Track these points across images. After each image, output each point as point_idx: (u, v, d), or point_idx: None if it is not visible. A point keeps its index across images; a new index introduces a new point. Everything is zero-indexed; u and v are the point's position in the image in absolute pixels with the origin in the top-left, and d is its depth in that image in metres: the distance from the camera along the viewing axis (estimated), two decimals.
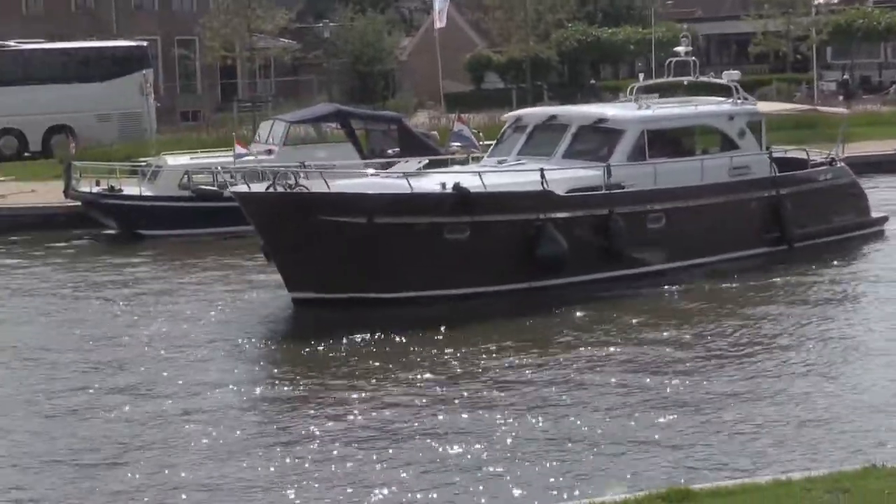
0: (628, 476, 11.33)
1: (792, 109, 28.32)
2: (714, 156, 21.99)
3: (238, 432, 13.06)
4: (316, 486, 11.48)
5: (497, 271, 18.90)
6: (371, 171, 21.42)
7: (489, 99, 50.14)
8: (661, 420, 12.97)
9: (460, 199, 18.47)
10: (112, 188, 28.03)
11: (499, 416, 13.29)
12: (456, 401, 13.94)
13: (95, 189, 28.23)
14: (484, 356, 15.89)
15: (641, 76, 25.71)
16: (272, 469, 11.94)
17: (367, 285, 18.47)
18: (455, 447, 12.27)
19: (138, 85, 40.85)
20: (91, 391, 14.94)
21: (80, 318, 19.42)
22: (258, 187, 19.14)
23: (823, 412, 13.16)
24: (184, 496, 11.38)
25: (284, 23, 50.54)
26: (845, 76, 55.16)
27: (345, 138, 29.29)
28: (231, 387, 14.87)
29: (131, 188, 28.14)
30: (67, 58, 42.61)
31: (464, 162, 23.27)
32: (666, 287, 19.54)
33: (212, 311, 19.19)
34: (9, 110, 39.77)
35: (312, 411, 13.79)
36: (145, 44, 44.85)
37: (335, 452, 12.32)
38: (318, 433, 12.95)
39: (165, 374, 15.56)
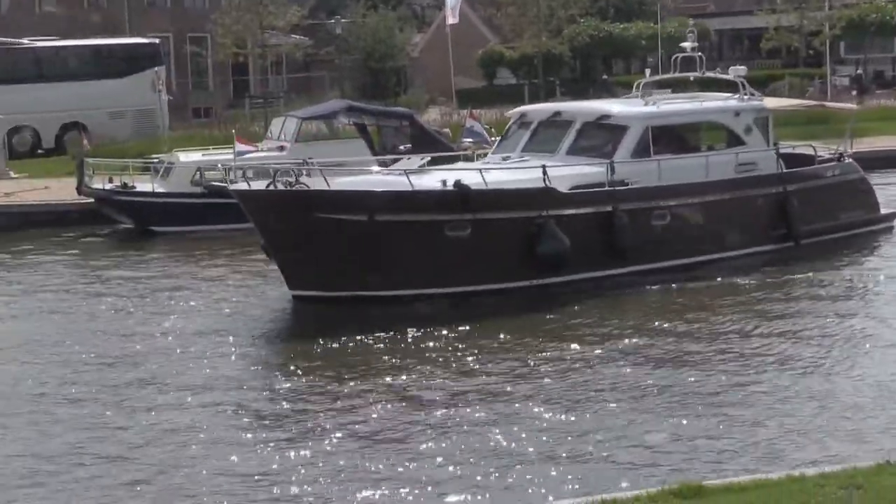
0: (640, 471, 11.30)
1: (799, 106, 28.09)
2: (720, 152, 21.83)
3: (236, 430, 13.08)
4: (320, 479, 11.47)
5: (499, 269, 18.80)
6: (376, 168, 21.31)
7: (501, 95, 50.10)
8: (673, 416, 12.93)
9: (461, 196, 18.37)
10: (125, 185, 28.07)
11: (503, 412, 13.25)
12: (456, 398, 13.88)
13: (108, 186, 28.27)
14: (485, 353, 15.80)
15: (648, 72, 25.61)
16: (276, 462, 11.95)
17: (368, 283, 18.39)
18: (459, 443, 12.25)
19: (151, 82, 40.87)
20: (98, 385, 15.05)
21: (92, 313, 19.44)
22: (258, 185, 19.06)
23: (836, 408, 13.10)
24: (190, 486, 11.45)
25: (296, 19, 50.61)
26: (858, 71, 54.96)
27: (357, 135, 29.32)
28: (229, 384, 14.86)
29: (144, 185, 28.18)
30: (80, 55, 42.74)
31: (470, 158, 23.16)
32: (671, 284, 19.39)
33: (216, 308, 19.21)
34: (22, 107, 39.81)
35: (310, 408, 13.75)
36: (157, 41, 44.96)
37: (337, 446, 12.32)
38: (319, 428, 12.96)
39: (165, 369, 15.61)
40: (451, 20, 46.07)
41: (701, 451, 11.85)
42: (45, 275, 23.42)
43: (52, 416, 13.96)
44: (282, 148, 28.32)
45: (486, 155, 22.99)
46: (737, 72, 23.32)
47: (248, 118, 44.82)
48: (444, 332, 16.81)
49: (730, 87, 23.62)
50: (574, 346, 16.02)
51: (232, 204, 19.57)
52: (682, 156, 21.19)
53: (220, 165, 24.21)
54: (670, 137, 21.60)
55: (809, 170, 22.91)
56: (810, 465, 10.58)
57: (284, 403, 14.09)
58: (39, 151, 40.81)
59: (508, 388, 14.21)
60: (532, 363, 15.28)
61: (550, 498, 10.74)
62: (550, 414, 13.15)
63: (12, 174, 34.15)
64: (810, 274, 20.12)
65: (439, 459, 11.86)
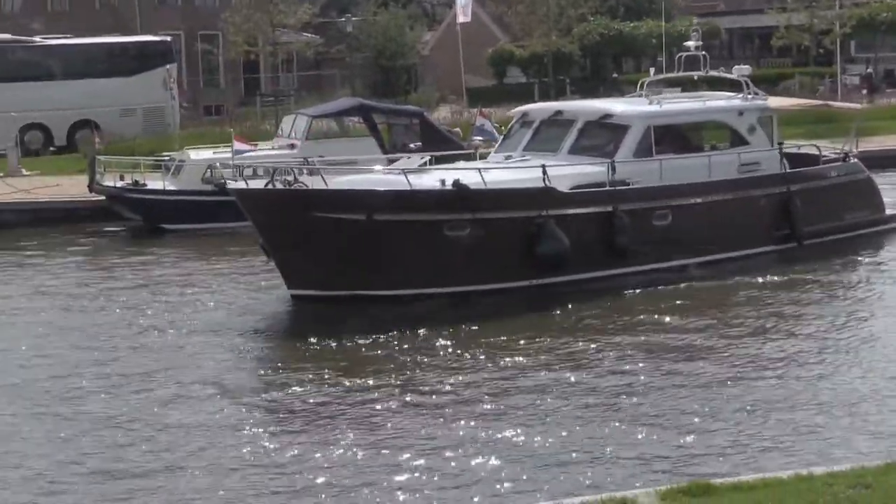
0: (649, 470, 11.30)
1: (804, 105, 27.88)
2: (722, 152, 21.67)
3: (236, 427, 13.09)
4: (315, 475, 11.49)
5: (499, 268, 18.68)
6: (378, 166, 21.20)
7: (511, 93, 50.05)
8: (679, 415, 12.90)
9: (460, 195, 18.27)
10: (136, 182, 28.13)
11: (506, 411, 13.21)
12: (455, 397, 13.85)
13: (119, 183, 28.33)
14: (484, 353, 15.72)
15: (652, 71, 25.48)
16: (271, 459, 12.02)
17: (367, 282, 18.28)
18: (462, 442, 12.23)
19: (162, 80, 40.99)
20: (101, 377, 15.25)
21: (100, 309, 19.53)
22: (256, 184, 18.97)
23: (844, 408, 13.06)
24: (185, 480, 11.53)
25: (307, 17, 50.62)
26: (869, 70, 54.80)
27: (367, 132, 29.31)
28: (225, 382, 14.89)
29: (155, 182, 28.22)
30: (92, 53, 42.78)
31: (474, 157, 23.07)
32: (672, 285, 19.25)
33: (217, 306, 19.23)
34: (34, 105, 39.94)
35: (306, 407, 13.74)
36: (169, 39, 44.98)
37: (334, 445, 12.31)
38: (315, 425, 12.98)
39: (159, 364, 15.68)
40: (462, 18, 46.03)
41: (709, 450, 11.84)
42: (56, 271, 23.49)
43: (59, 408, 14.03)
44: (292, 146, 28.37)
45: (484, 155, 22.92)
46: (741, 71, 23.19)
47: (258, 116, 44.88)
48: (443, 332, 16.71)
49: (738, 86, 23.50)
50: (574, 346, 15.94)
51: None
52: (684, 156, 21.04)
53: (228, 163, 24.27)
54: (673, 137, 21.49)
55: (813, 170, 22.74)
56: (819, 464, 10.56)
57: (280, 403, 14.06)
58: (51, 149, 40.86)
59: (509, 387, 14.16)
60: (532, 363, 15.21)
61: (559, 495, 10.73)
62: (553, 412, 13.13)
63: (24, 172, 34.23)
64: (812, 275, 20.00)
65: (441, 460, 11.84)
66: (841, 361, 15.01)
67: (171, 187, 27.87)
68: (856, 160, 23.51)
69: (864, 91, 50.81)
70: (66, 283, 22.27)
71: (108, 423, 13.45)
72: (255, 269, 21.77)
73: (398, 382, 14.60)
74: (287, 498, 11.16)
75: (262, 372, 15.67)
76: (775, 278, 19.84)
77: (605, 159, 19.90)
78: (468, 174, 18.90)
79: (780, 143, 22.81)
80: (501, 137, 23.10)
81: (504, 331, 16.75)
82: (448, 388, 14.24)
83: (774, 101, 23.72)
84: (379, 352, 16.05)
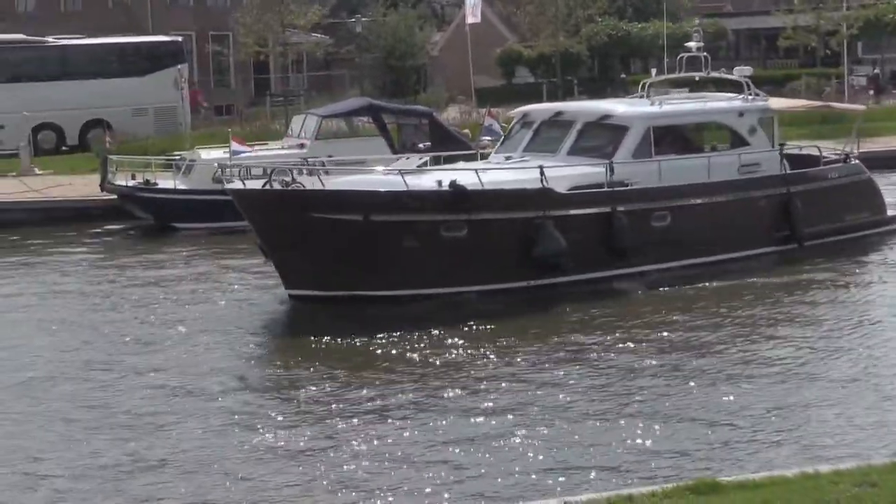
0: (656, 468, 11.29)
1: (804, 106, 27.69)
2: (722, 153, 21.56)
3: (234, 425, 13.12)
4: (310, 473, 11.49)
5: (496, 269, 18.57)
6: (380, 167, 21.06)
7: (520, 93, 50.04)
8: (684, 414, 12.89)
9: (457, 196, 18.17)
10: (147, 181, 28.16)
11: (508, 410, 13.18)
12: (454, 397, 13.81)
13: (131, 182, 28.37)
14: (484, 353, 15.67)
15: (654, 72, 25.37)
16: (266, 459, 12.00)
17: (364, 283, 18.19)
18: (467, 442, 12.20)
19: (173, 80, 41.03)
20: (105, 373, 15.38)
21: (111, 305, 19.62)
22: (253, 184, 18.86)
23: (849, 406, 13.04)
24: (177, 475, 11.57)
25: (317, 18, 50.59)
26: (876, 70, 54.72)
27: (376, 132, 29.31)
28: (223, 379, 14.91)
29: (166, 182, 28.26)
30: (104, 53, 42.89)
31: (473, 158, 22.98)
32: (671, 286, 19.13)
33: (219, 303, 19.26)
34: (47, 105, 40.01)
35: (307, 405, 13.72)
36: (180, 39, 45.06)
37: (331, 444, 12.31)
38: (316, 422, 12.97)
39: (155, 362, 15.74)
40: (471, 19, 45.99)
41: (715, 448, 11.82)
42: (68, 269, 23.55)
43: (69, 403, 14.12)
44: (302, 145, 28.39)
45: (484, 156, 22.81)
46: (742, 72, 23.05)
47: (268, 116, 44.92)
48: (441, 332, 16.62)
49: (742, 87, 23.35)
50: (575, 346, 15.86)
51: None
52: (683, 156, 20.93)
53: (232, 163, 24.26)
54: (673, 138, 21.38)
55: (813, 171, 22.59)
56: (825, 462, 10.54)
57: (275, 402, 14.02)
58: (64, 148, 40.97)
59: (510, 387, 14.13)
60: (532, 363, 15.14)
61: (566, 492, 10.72)
62: (557, 411, 13.10)
63: (37, 171, 34.30)
64: (812, 276, 19.88)
65: (445, 457, 11.83)
66: (842, 361, 14.95)
67: (182, 186, 27.89)
68: (857, 161, 23.37)
69: (871, 92, 50.68)
70: (77, 280, 22.34)
71: (116, 417, 13.52)
72: (263, 267, 21.85)
73: (398, 382, 14.54)
74: (290, 490, 11.17)
75: (262, 371, 15.64)
76: (775, 279, 19.75)
77: (603, 160, 19.78)
78: (466, 175, 18.79)
79: (783, 144, 22.73)
80: (502, 138, 23.03)
81: (503, 331, 16.66)
82: (448, 387, 14.18)
83: (775, 102, 23.59)
84: (377, 351, 15.96)
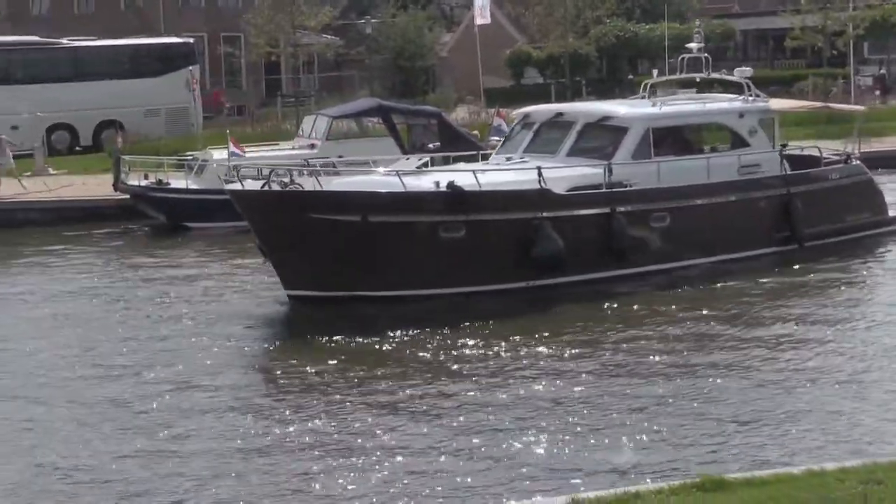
0: (663, 465, 11.27)
1: (805, 107, 27.54)
2: (722, 154, 21.49)
3: (234, 425, 13.13)
4: (307, 473, 11.48)
5: (494, 270, 18.49)
6: (382, 169, 20.96)
7: (528, 94, 49.98)
8: (691, 412, 12.88)
9: (455, 197, 18.10)
10: (160, 181, 28.21)
11: (517, 406, 13.17)
12: (453, 397, 13.78)
13: (144, 182, 28.43)
14: (484, 353, 15.64)
15: (655, 73, 25.26)
16: (262, 460, 11.98)
17: (363, 283, 18.11)
18: (470, 441, 12.20)
19: (185, 81, 41.10)
20: (114, 368, 15.57)
21: (122, 302, 19.77)
22: (252, 185, 18.79)
23: (855, 406, 13.01)
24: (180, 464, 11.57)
25: (328, 19, 50.57)
26: (882, 71, 54.59)
27: (386, 133, 29.32)
28: (221, 377, 14.94)
29: (178, 181, 28.30)
30: (116, 55, 42.98)
31: (473, 159, 22.90)
32: (670, 287, 19.05)
33: (224, 302, 19.31)
34: (61, 106, 40.16)
35: (302, 405, 13.68)
36: (192, 41, 45.14)
37: (329, 441, 12.32)
38: (311, 425, 12.92)
39: (154, 362, 15.74)
40: (480, 20, 45.96)
41: (721, 446, 11.81)
42: (81, 268, 23.64)
43: (77, 395, 14.26)
44: (313, 146, 28.42)
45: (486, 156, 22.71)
46: (742, 73, 22.92)
47: (279, 116, 44.95)
48: (441, 332, 16.57)
49: (748, 87, 23.19)
50: (576, 346, 15.82)
51: None
52: (682, 157, 20.84)
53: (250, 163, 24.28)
54: (673, 139, 21.30)
55: (814, 172, 22.47)
56: (830, 460, 10.52)
57: (270, 400, 14.04)
58: (77, 149, 41.06)
59: (512, 386, 14.09)
60: (535, 362, 15.11)
61: (575, 490, 10.71)
62: (562, 410, 13.07)
63: (51, 171, 34.38)
64: (810, 276, 19.77)
65: (451, 456, 11.81)
66: (845, 360, 14.90)
67: (194, 186, 27.93)
68: (858, 162, 23.23)
69: (877, 92, 50.57)
70: (90, 279, 22.40)
71: (118, 414, 13.64)
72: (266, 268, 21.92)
73: (396, 382, 14.49)
74: (297, 485, 11.18)
75: (251, 368, 15.62)
76: (774, 280, 19.64)
77: (603, 161, 19.69)
78: (464, 176, 18.71)
79: (784, 145, 22.65)
80: (503, 139, 22.95)
81: (502, 332, 16.56)
82: (451, 386, 14.17)
83: (776, 103, 23.48)
84: (376, 351, 15.92)
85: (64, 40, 42.99)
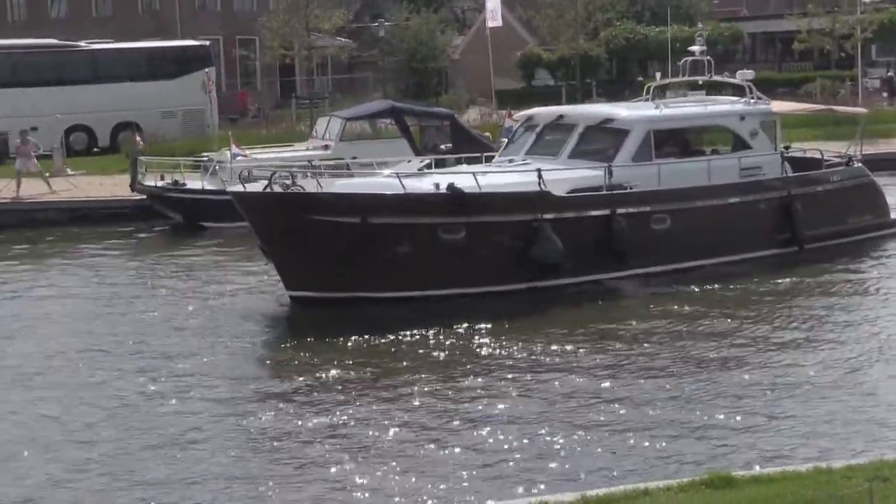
0: (672, 463, 11.27)
1: (807, 109, 27.34)
2: (723, 156, 21.36)
3: (233, 424, 13.06)
4: (307, 474, 11.40)
5: (494, 272, 18.37)
6: (387, 170, 20.80)
7: (540, 96, 49.97)
8: (699, 411, 12.82)
9: (454, 199, 18.01)
10: (176, 182, 28.27)
11: (508, 409, 13.09)
12: (460, 394, 13.73)
13: (160, 183, 28.50)
14: (484, 353, 15.55)
15: (658, 75, 25.18)
16: (260, 461, 11.89)
17: (363, 284, 18.00)
18: (478, 436, 12.16)
19: (201, 83, 41.21)
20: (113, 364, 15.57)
21: (137, 299, 19.86)
22: (254, 187, 18.67)
23: (859, 404, 12.96)
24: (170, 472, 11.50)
25: (342, 22, 50.77)
26: (889, 73, 54.43)
27: (399, 134, 29.36)
28: (223, 376, 14.88)
29: (194, 182, 28.37)
30: (134, 57, 43.09)
31: (478, 161, 22.83)
32: (670, 288, 18.92)
33: (228, 304, 19.24)
34: (79, 107, 40.29)
35: (300, 404, 13.60)
36: (208, 43, 45.22)
37: (327, 441, 12.22)
38: (311, 425, 12.81)
39: (165, 361, 15.71)
40: (491, 23, 45.98)
41: (729, 444, 11.80)
42: (99, 266, 23.70)
43: (88, 391, 14.27)
44: (326, 147, 28.49)
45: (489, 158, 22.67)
46: (744, 75, 22.75)
47: (294, 118, 45.03)
48: (439, 333, 16.45)
49: (751, 90, 23.04)
50: (578, 346, 15.69)
51: None
52: (683, 160, 20.75)
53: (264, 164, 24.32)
54: (674, 141, 21.19)
55: (815, 174, 22.33)
56: (838, 458, 10.51)
57: (269, 399, 13.93)
58: (95, 150, 41.20)
59: (516, 385, 13.99)
60: (538, 362, 15.02)
61: (584, 487, 10.71)
62: (569, 408, 13.03)
63: (69, 171, 34.48)
64: (811, 278, 19.65)
65: (458, 455, 11.77)
66: (856, 357, 14.86)
67: (210, 187, 27.98)
68: (860, 164, 23.05)
69: (885, 94, 50.45)
70: (108, 277, 22.46)
71: (120, 411, 13.65)
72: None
73: (394, 380, 14.41)
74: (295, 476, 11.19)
75: (251, 367, 15.51)
76: (774, 281, 19.51)
77: (604, 163, 19.57)
78: (464, 178, 18.64)
79: (787, 147, 22.55)
80: (506, 141, 22.89)
81: (503, 332, 16.46)
82: (455, 385, 14.10)
83: (777, 106, 23.33)
84: (374, 350, 15.81)
85: (82, 43, 43.12)
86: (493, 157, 22.99)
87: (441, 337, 16.35)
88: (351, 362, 15.30)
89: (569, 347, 15.65)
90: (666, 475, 10.55)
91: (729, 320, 17.01)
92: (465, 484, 11.00)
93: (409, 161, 22.81)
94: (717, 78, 23.93)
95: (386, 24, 60.26)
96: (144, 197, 28.89)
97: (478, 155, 23.94)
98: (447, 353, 15.69)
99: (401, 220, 17.95)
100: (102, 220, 29.03)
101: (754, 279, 19.61)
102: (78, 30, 49.31)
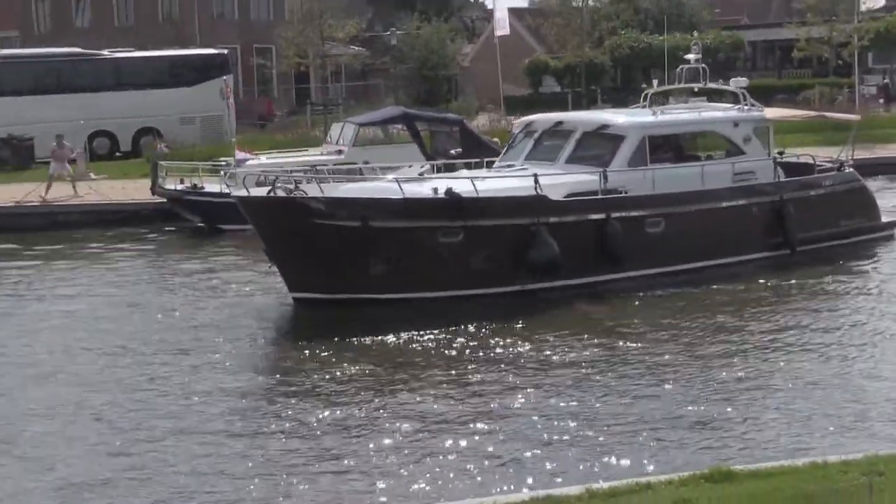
0: (673, 457, 11.26)
1: (800, 116, 27.26)
2: (716, 161, 21.31)
3: (233, 423, 12.99)
4: (307, 474, 11.31)
5: (492, 274, 18.31)
6: (391, 175, 20.50)
7: (546, 102, 49.93)
8: (698, 408, 12.79)
9: (452, 203, 17.95)
10: (195, 186, 28.32)
11: (513, 406, 13.02)
12: (449, 392, 13.67)
13: (180, 186, 28.55)
14: (485, 352, 15.45)
15: (655, 83, 25.12)
16: (259, 462, 11.73)
17: (364, 286, 17.93)
18: (472, 436, 12.10)
19: (219, 90, 41.30)
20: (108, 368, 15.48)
21: (153, 296, 19.98)
22: (258, 192, 18.59)
23: (850, 401, 12.91)
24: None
25: (355, 31, 50.79)
26: (885, 80, 54.37)
27: (410, 139, 29.37)
28: (223, 375, 14.85)
29: (212, 186, 28.40)
30: (155, 65, 43.20)
31: (479, 166, 22.74)
32: (664, 289, 18.85)
33: (231, 304, 19.24)
34: (102, 114, 40.45)
35: (300, 403, 13.54)
36: (226, 52, 45.32)
37: (327, 438, 12.17)
38: (311, 423, 12.72)
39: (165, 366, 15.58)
40: (500, 32, 46.00)
41: (728, 440, 11.79)
42: (120, 266, 23.80)
43: (84, 390, 14.24)
44: (340, 151, 28.53)
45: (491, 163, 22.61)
46: (738, 83, 22.68)
47: (309, 123, 45.09)
48: (438, 333, 16.35)
49: (746, 96, 22.96)
50: (577, 346, 15.60)
51: None
52: (677, 165, 20.70)
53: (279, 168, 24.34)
54: (669, 147, 21.13)
55: (806, 179, 22.25)
56: (833, 453, 10.49)
57: (269, 398, 13.90)
58: (117, 154, 41.30)
59: (520, 383, 13.91)
60: (538, 360, 14.95)
61: (589, 481, 10.70)
62: (571, 405, 12.98)
63: (92, 175, 34.57)
64: (801, 280, 19.55)
65: (465, 447, 11.74)
66: (848, 354, 14.83)
67: (228, 191, 28.01)
68: (851, 169, 22.97)
69: (881, 100, 50.38)
70: (129, 276, 22.55)
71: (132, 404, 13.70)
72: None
73: (393, 379, 14.34)
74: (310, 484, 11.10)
75: (252, 367, 15.46)
76: (765, 283, 19.45)
77: (599, 168, 19.52)
78: (462, 183, 18.56)
79: (781, 152, 22.49)
80: (506, 147, 22.86)
81: (502, 333, 16.34)
82: (456, 383, 14.01)
83: (770, 112, 23.25)
84: (372, 349, 15.78)
85: (105, 52, 43.26)
86: (490, 162, 22.96)
87: (441, 337, 16.27)
88: (353, 359, 15.22)
89: (567, 346, 15.61)
90: (667, 469, 10.54)
91: (723, 319, 16.97)
92: (471, 477, 10.98)
93: (409, 166, 22.74)
94: (711, 85, 23.87)
95: (398, 33, 60.36)
96: (164, 200, 28.94)
97: (474, 160, 23.88)
98: (448, 351, 15.64)
99: (400, 224, 17.91)
100: (124, 223, 29.12)
101: (747, 281, 19.54)
102: (101, 39, 49.46)
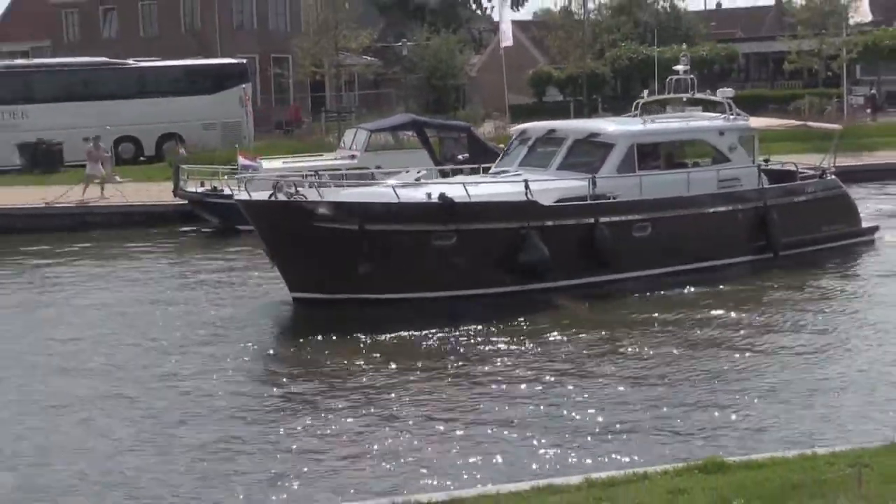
0: (669, 449, 11.24)
1: (783, 125, 27.13)
2: (702, 168, 21.29)
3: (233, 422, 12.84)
4: (307, 474, 11.17)
5: (484, 276, 18.26)
6: (392, 180, 20.47)
7: (550, 111, 49.96)
8: (693, 403, 12.77)
9: (444, 208, 17.93)
10: (215, 188, 28.36)
11: (513, 400, 12.97)
12: (446, 387, 13.64)
13: (200, 189, 28.60)
14: (485, 351, 15.39)
15: (646, 92, 25.11)
16: (259, 462, 11.53)
17: (361, 287, 17.87)
18: (473, 428, 12.06)
19: (238, 98, 41.37)
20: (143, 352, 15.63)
21: (177, 293, 20.02)
22: (259, 195, 18.51)
23: (835, 398, 12.89)
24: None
25: (367, 42, 50.75)
26: (873, 91, 54.28)
27: (420, 145, 29.40)
28: (225, 374, 14.70)
29: (232, 188, 28.38)
30: (177, 74, 43.30)
31: (478, 171, 22.74)
32: (650, 291, 18.76)
33: (233, 304, 19.23)
34: (127, 120, 40.54)
35: (300, 403, 13.43)
36: (245, 61, 45.40)
37: (327, 438, 12.04)
38: (312, 422, 12.60)
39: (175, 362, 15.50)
40: (504, 43, 46.00)
41: (721, 433, 11.76)
42: (144, 264, 23.94)
43: (84, 389, 14.15)
44: (353, 157, 28.57)
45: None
46: (724, 93, 22.64)
47: (323, 130, 45.13)
48: (434, 332, 16.25)
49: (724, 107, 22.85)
50: (575, 345, 15.52)
51: None
52: (664, 172, 20.66)
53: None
54: (657, 154, 21.07)
55: (789, 185, 22.23)
56: (822, 446, 10.47)
57: (271, 398, 13.79)
58: (141, 159, 41.39)
59: (520, 381, 13.83)
60: (524, 360, 14.85)
61: (588, 471, 10.68)
62: (570, 402, 12.93)
63: (118, 178, 34.63)
64: (782, 282, 19.52)
65: (469, 443, 11.68)
66: (817, 356, 14.75)
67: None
68: (833, 176, 22.93)
69: (868, 110, 50.28)
70: (152, 273, 22.68)
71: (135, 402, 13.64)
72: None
73: (392, 379, 14.23)
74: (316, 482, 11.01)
75: (254, 366, 15.34)
76: (748, 285, 19.37)
77: (589, 175, 19.51)
78: (455, 188, 18.57)
79: (766, 160, 22.43)
80: (502, 153, 22.82)
81: (498, 333, 16.27)
82: (455, 381, 13.93)
83: (755, 122, 23.20)
84: (372, 349, 15.66)
85: (130, 61, 43.36)
86: (477, 168, 22.91)
87: (436, 335, 16.16)
88: (354, 359, 15.13)
89: (558, 343, 15.56)
90: (663, 461, 10.52)
91: (710, 318, 16.90)
92: (474, 470, 10.94)
93: (406, 171, 22.72)
94: (698, 95, 23.83)
95: (408, 44, 60.35)
96: (185, 202, 28.99)
97: (471, 166, 23.86)
98: (444, 348, 15.57)
99: (395, 227, 17.88)
100: (147, 223, 29.19)
101: (732, 283, 19.48)
102: (127, 49, 49.56)
